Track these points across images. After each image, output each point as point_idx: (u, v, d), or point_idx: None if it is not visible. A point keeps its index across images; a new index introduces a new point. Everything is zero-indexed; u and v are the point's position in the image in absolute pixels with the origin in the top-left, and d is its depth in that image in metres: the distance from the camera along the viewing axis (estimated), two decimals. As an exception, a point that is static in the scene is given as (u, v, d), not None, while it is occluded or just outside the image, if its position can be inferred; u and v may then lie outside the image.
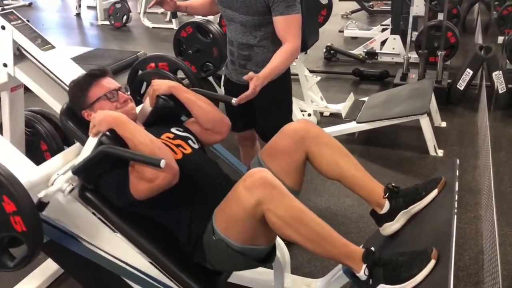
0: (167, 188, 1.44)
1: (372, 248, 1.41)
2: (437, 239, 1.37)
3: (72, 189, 1.53)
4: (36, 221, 1.38)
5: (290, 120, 2.33)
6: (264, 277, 2.07)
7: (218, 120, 1.81)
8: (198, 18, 3.53)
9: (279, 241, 1.96)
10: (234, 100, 1.85)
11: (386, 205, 1.58)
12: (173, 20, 7.13)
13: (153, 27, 7.48)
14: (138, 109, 1.82)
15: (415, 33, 4.84)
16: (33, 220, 1.37)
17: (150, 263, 1.57)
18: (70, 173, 1.51)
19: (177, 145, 1.65)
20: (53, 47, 2.08)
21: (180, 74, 2.65)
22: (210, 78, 3.68)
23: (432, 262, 1.28)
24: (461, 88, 4.05)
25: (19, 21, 2.07)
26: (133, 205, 1.51)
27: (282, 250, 1.96)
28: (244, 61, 2.07)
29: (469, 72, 4.00)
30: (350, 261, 1.39)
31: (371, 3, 7.62)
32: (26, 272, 2.17)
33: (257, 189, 1.35)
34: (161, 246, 1.57)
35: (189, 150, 1.66)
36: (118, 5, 7.42)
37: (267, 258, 1.55)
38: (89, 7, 8.87)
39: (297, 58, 3.40)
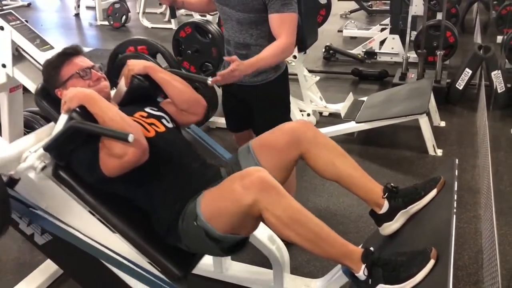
0: (137, 165, 1.44)
1: (372, 248, 1.41)
2: (437, 239, 1.37)
3: (44, 167, 1.53)
4: (3, 196, 1.38)
5: (289, 119, 2.33)
6: (263, 277, 2.07)
7: (193, 100, 1.80)
8: (197, 18, 3.54)
9: (278, 241, 1.97)
10: (209, 81, 1.84)
11: (385, 205, 1.58)
12: (172, 20, 7.12)
13: (152, 27, 7.48)
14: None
15: (414, 33, 4.84)
16: (0, 195, 1.37)
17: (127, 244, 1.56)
18: (42, 150, 1.51)
19: (150, 123, 1.65)
20: (52, 47, 2.08)
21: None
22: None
23: (432, 262, 1.28)
24: (460, 88, 4.05)
25: (18, 22, 2.07)
26: (105, 182, 1.52)
27: (281, 250, 1.96)
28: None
29: (468, 72, 4.01)
30: (349, 261, 1.39)
31: (370, 3, 7.63)
32: (25, 273, 2.17)
33: (255, 189, 1.35)
34: (135, 225, 1.57)
35: (162, 129, 1.66)
36: (117, 5, 7.42)
37: (239, 246, 1.56)
38: (88, 8, 8.87)
39: (295, 58, 3.41)
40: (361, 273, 1.36)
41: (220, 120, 3.84)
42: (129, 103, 1.73)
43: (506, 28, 4.94)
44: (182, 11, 7.98)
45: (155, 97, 1.86)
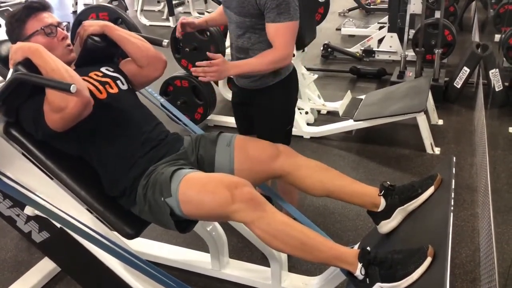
0: (80, 118, 1.45)
1: (368, 248, 1.42)
2: (434, 237, 1.38)
3: None
4: None
5: (287, 130, 2.13)
6: (261, 275, 2.08)
7: (152, 56, 1.78)
8: (195, 16, 3.52)
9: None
10: (164, 42, 1.85)
11: (382, 203, 1.58)
12: (170, 18, 7.11)
13: (150, 25, 7.46)
14: None
15: (412, 31, 4.84)
16: None
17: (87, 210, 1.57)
18: None
19: (104, 83, 1.64)
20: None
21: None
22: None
23: (429, 260, 1.28)
24: (458, 86, 4.05)
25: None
26: (54, 139, 1.52)
27: (279, 248, 1.96)
28: None
29: (466, 70, 4.01)
30: (343, 263, 1.41)
31: (368, 1, 7.62)
32: (23, 271, 2.17)
33: (243, 204, 1.38)
34: (86, 183, 1.58)
35: (115, 90, 1.66)
36: (115, 3, 7.39)
37: (191, 226, 1.63)
38: (85, 5, 8.83)
39: (293, 56, 3.39)
40: (358, 272, 1.37)
41: (218, 118, 3.84)
42: (85, 65, 1.70)
43: (504, 27, 4.94)
44: (180, 9, 7.97)
45: (111, 57, 1.83)
